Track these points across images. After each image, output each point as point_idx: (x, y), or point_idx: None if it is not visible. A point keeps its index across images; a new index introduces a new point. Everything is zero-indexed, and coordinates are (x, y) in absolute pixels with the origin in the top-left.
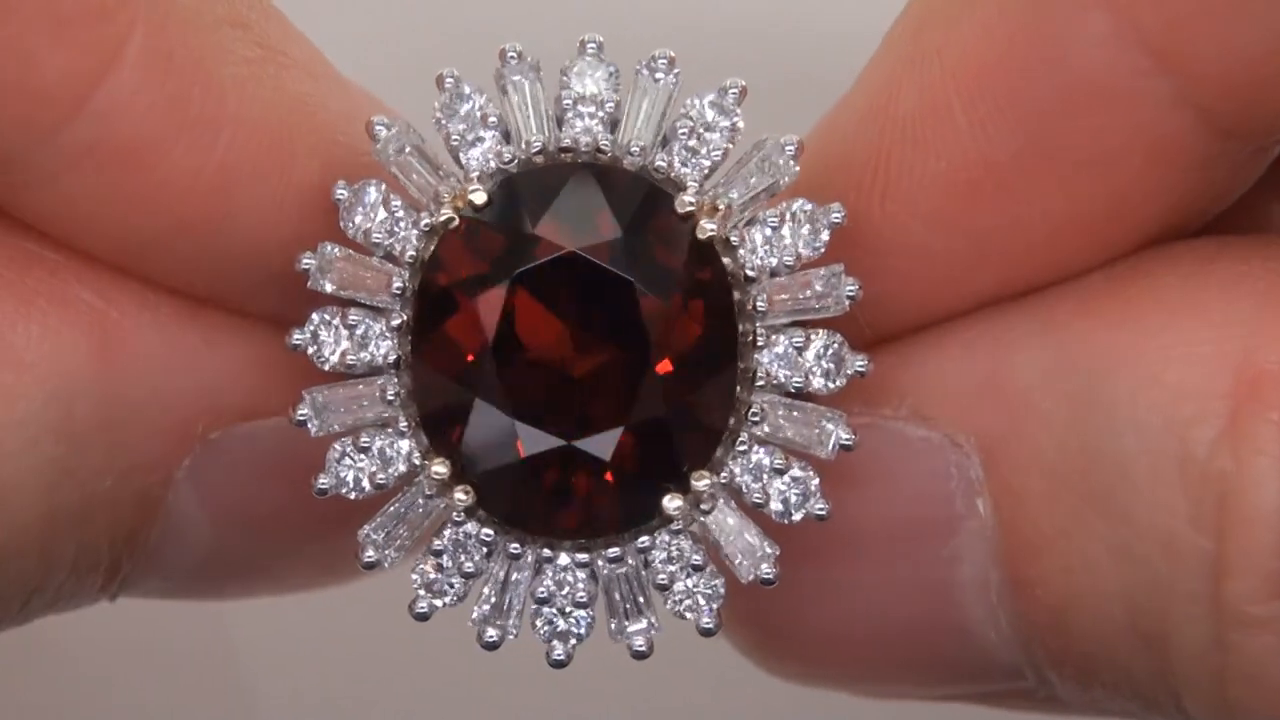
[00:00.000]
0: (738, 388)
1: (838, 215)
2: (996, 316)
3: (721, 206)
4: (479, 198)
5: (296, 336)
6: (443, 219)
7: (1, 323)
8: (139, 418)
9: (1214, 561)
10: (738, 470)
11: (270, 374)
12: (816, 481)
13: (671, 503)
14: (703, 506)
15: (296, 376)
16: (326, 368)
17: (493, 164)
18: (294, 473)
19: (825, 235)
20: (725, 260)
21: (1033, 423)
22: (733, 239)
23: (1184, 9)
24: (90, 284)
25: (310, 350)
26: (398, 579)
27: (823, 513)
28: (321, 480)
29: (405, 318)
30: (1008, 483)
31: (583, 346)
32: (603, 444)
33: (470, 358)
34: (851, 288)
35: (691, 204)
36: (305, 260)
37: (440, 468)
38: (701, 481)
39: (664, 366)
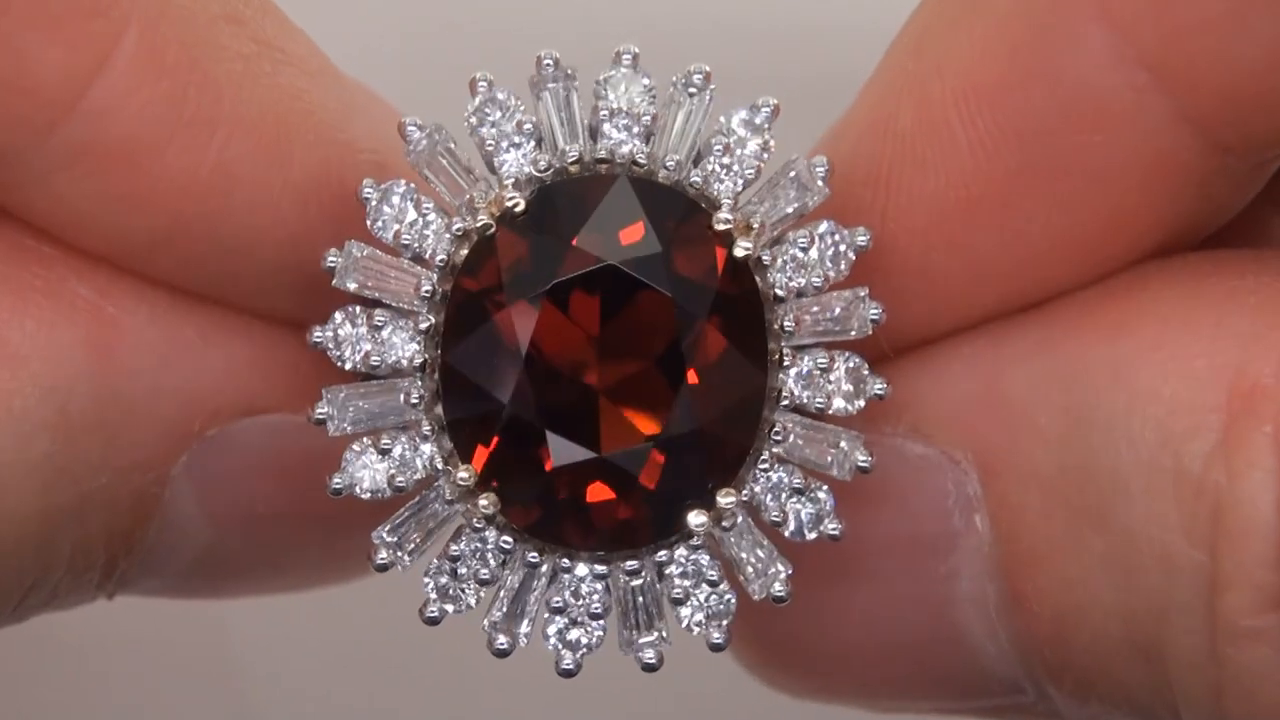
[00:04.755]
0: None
1: (863, 238)
2: (993, 332)
3: (755, 225)
4: (517, 205)
5: (317, 334)
6: (479, 225)
7: None
8: (135, 414)
9: (1209, 575)
10: (758, 488)
11: (268, 371)
12: (832, 502)
13: (696, 519)
14: (724, 524)
15: (295, 374)
16: (347, 367)
17: (528, 171)
18: (292, 471)
19: (850, 258)
20: (756, 278)
21: (1029, 438)
22: (764, 258)
23: (1181, 24)
24: (87, 279)
25: (330, 349)
26: (397, 579)
27: (836, 533)
28: (336, 480)
29: (433, 321)
30: (1005, 498)
31: (615, 360)
32: (633, 458)
33: (501, 365)
34: (875, 311)
35: (729, 221)
36: (330, 258)
37: (465, 473)
38: (727, 499)
39: (695, 382)
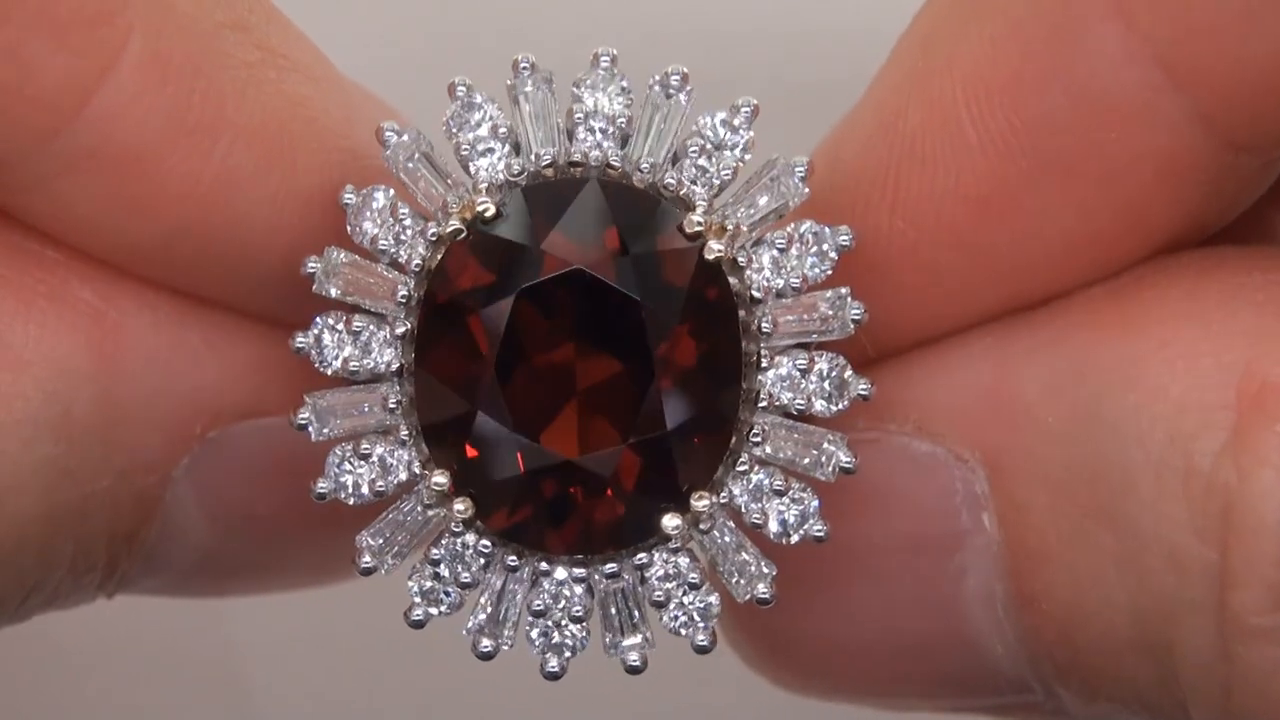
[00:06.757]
0: (740, 408)
1: (845, 238)
2: (1001, 331)
3: (730, 227)
4: (487, 210)
5: (300, 340)
6: (450, 229)
7: (0, 322)
8: (137, 417)
9: (1218, 573)
10: (737, 490)
11: (269, 375)
12: (816, 504)
13: (670, 522)
14: (701, 526)
15: (295, 377)
16: (329, 372)
17: (502, 175)
18: (292, 473)
19: (833, 257)
20: (732, 280)
21: (1037, 437)
22: (740, 259)
23: (1194, 24)
24: (90, 283)
25: (313, 354)
26: (396, 580)
27: (821, 534)
28: (320, 485)
29: (409, 326)
30: (1013, 497)
31: (586, 363)
32: (604, 461)
33: (473, 370)
34: (857, 311)
35: (700, 224)
36: (310, 264)
37: (440, 479)
38: (701, 502)
39: (667, 385)
